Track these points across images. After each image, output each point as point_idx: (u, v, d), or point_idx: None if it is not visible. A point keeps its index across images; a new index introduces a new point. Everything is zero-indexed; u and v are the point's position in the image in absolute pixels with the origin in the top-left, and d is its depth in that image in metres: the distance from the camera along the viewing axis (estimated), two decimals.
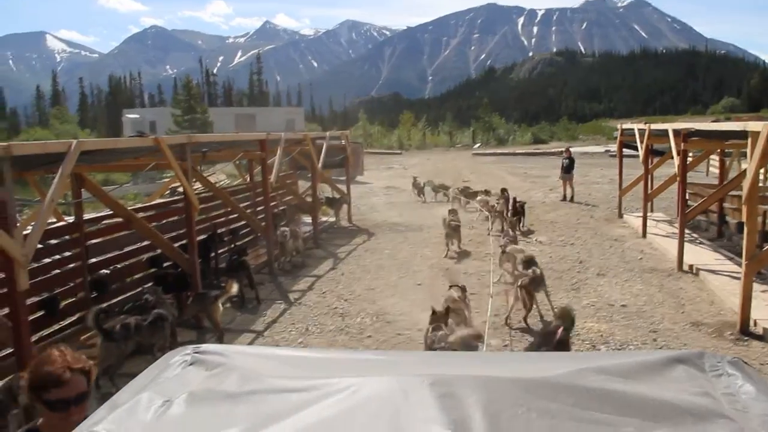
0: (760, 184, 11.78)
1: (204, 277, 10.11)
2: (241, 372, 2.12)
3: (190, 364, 2.23)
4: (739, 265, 11.34)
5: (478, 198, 19.69)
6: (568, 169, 22.92)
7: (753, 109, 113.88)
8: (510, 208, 16.86)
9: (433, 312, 7.53)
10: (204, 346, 2.36)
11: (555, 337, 6.47)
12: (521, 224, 16.69)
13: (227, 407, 1.92)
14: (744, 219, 8.84)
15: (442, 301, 8.70)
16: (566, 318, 6.94)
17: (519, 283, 9.12)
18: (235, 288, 9.15)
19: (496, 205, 17.44)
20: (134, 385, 2.13)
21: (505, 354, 6.17)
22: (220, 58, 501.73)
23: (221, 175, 27.11)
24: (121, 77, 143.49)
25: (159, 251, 10.45)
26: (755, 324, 8.61)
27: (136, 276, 10.72)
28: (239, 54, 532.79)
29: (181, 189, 17.42)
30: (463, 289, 8.97)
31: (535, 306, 9.21)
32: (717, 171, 21.81)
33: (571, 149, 25.51)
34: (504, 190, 18.66)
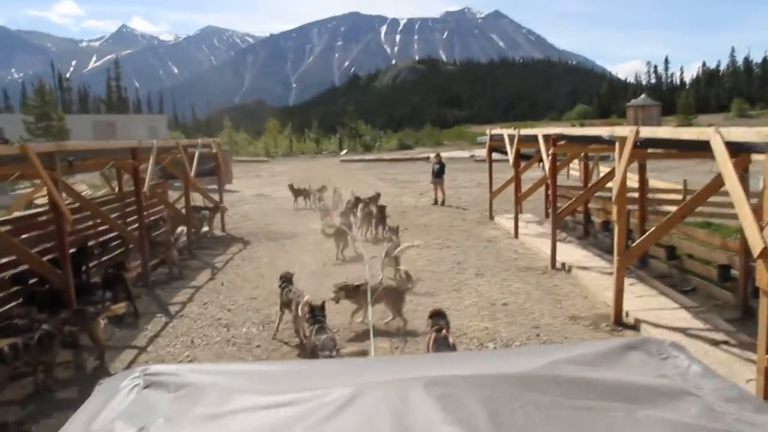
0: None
1: (78, 293, 9.54)
2: (213, 391, 2.02)
3: (145, 387, 2.09)
4: (607, 261, 12.04)
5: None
6: (439, 174, 23.43)
7: (603, 115, 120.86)
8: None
9: (311, 309, 7.44)
10: (153, 368, 2.24)
11: (448, 342, 6.51)
12: (384, 229, 16.03)
13: (217, 429, 1.82)
14: (614, 217, 9.31)
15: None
16: (441, 317, 6.99)
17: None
18: (122, 308, 8.75)
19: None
20: (84, 415, 1.98)
21: (467, 353, 6.18)
22: (73, 62, 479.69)
23: (82, 185, 25.97)
24: None
25: (23, 267, 9.84)
26: (627, 315, 9.10)
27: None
28: (94, 59, 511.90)
29: (40, 201, 16.61)
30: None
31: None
32: (577, 174, 22.96)
33: (440, 154, 26.05)
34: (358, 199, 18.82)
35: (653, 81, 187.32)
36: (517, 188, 16.60)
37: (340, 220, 15.70)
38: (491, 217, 19.18)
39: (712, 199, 9.94)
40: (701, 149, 8.02)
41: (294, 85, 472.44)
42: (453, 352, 6.06)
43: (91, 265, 11.84)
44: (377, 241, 15.59)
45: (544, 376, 1.99)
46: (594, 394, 1.90)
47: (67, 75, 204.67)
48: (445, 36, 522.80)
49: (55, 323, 7.52)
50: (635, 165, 12.33)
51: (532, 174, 20.39)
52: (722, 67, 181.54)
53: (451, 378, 1.97)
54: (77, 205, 12.26)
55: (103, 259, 12.62)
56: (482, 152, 36.00)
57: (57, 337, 7.35)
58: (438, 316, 6.91)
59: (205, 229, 17.94)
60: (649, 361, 2.19)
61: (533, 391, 1.89)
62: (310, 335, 7.14)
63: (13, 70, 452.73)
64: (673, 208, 11.54)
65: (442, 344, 6.47)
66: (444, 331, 6.66)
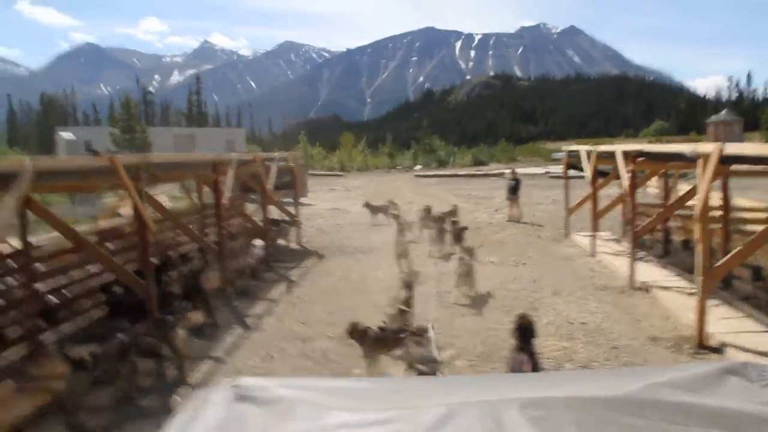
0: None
1: (160, 303, 9.81)
2: (305, 406, 2.04)
3: (236, 401, 2.12)
4: (688, 281, 11.68)
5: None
6: (514, 191, 23.22)
7: (682, 132, 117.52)
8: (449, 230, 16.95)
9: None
10: (243, 380, 2.26)
11: (532, 349, 6.36)
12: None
13: None
14: (696, 236, 9.05)
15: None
16: (528, 333, 6.71)
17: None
18: (199, 318, 8.94)
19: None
20: (175, 428, 2.01)
21: (560, 373, 6.05)
22: (156, 77, 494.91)
23: (163, 197, 26.69)
24: (54, 95, 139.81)
25: (111, 277, 10.20)
26: (710, 337, 8.81)
27: (87, 303, 10.38)
28: (176, 73, 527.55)
29: (123, 211, 17.17)
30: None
31: None
32: (656, 191, 22.42)
33: (516, 170, 25.81)
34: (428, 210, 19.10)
35: (735, 96, 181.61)
36: (595, 205, 16.31)
37: (403, 235, 15.65)
38: (567, 235, 18.90)
39: None
40: None
41: (369, 100, 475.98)
42: (546, 372, 5.92)
43: (171, 275, 12.19)
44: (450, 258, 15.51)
45: (641, 400, 1.96)
46: (693, 420, 1.85)
47: (151, 89, 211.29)
48: (520, 51, 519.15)
49: (134, 334, 7.73)
50: (717, 182, 11.99)
51: (609, 191, 20.03)
52: None
53: (546, 399, 1.96)
54: (159, 216, 12.66)
55: (183, 269, 12.96)
56: (557, 169, 35.58)
57: (133, 346, 7.55)
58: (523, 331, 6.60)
59: (282, 242, 18.22)
60: (750, 387, 2.12)
61: (631, 415, 1.86)
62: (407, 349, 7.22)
63: (102, 85, 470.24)
64: (758, 228, 11.17)
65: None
66: (522, 354, 6.42)
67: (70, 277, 10.36)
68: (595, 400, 1.96)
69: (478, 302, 11.46)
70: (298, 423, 1.95)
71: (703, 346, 8.71)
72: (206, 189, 15.80)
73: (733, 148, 8.34)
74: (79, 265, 10.43)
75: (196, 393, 2.30)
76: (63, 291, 10.01)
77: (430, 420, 1.85)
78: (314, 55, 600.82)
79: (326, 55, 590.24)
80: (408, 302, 9.39)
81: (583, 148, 17.04)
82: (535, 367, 6.27)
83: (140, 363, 7.94)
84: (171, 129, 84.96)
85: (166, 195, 27.56)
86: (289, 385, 2.28)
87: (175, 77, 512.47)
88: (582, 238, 17.58)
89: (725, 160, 8.67)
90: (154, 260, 10.87)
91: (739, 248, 9.25)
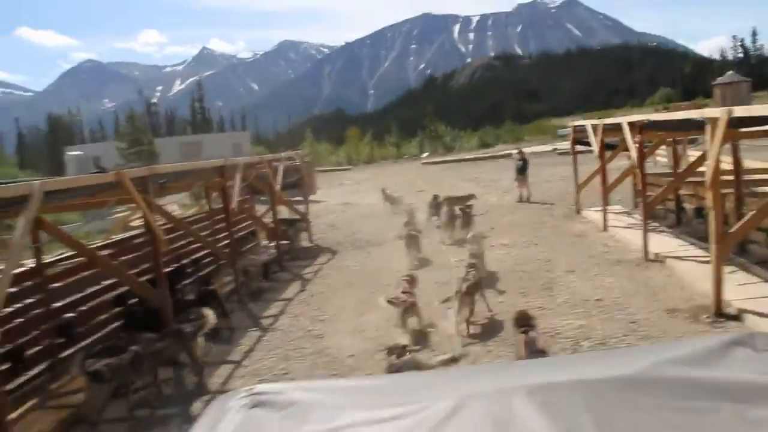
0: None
1: (175, 311, 9.82)
2: (319, 408, 2.08)
3: (253, 407, 2.14)
4: (703, 249, 11.59)
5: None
6: (522, 170, 23.14)
7: (688, 97, 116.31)
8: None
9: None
10: (259, 387, 2.30)
11: (536, 345, 6.47)
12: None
13: None
14: (709, 203, 8.96)
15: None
16: (529, 320, 6.95)
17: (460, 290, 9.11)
18: (212, 318, 8.92)
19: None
20: None
21: (567, 357, 6.07)
22: (159, 88, 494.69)
23: (173, 205, 26.79)
24: (60, 114, 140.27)
25: (124, 289, 10.22)
26: (729, 305, 8.73)
27: (102, 317, 10.40)
28: (178, 82, 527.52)
29: (135, 223, 17.24)
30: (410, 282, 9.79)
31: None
32: (665, 161, 22.28)
33: (523, 150, 25.68)
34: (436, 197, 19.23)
35: (741, 56, 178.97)
36: (604, 179, 16.19)
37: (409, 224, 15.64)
38: (578, 211, 18.79)
39: None
40: None
41: (371, 92, 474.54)
42: (554, 357, 6.01)
43: (185, 282, 12.21)
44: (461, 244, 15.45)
45: (647, 378, 1.97)
46: (701, 394, 1.87)
47: (154, 100, 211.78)
48: (519, 29, 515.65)
49: (150, 344, 7.74)
50: (727, 146, 11.85)
51: (618, 163, 19.91)
52: None
53: (553, 384, 1.98)
54: (170, 225, 12.69)
55: (197, 275, 12.98)
56: (564, 145, 35.36)
57: (148, 357, 7.57)
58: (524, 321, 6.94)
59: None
60: (757, 356, 2.11)
61: (638, 394, 1.88)
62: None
63: (105, 101, 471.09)
64: None
65: (532, 347, 6.42)
66: (532, 333, 6.62)
67: (85, 292, 10.38)
68: (602, 381, 1.98)
69: (492, 284, 11.39)
70: (313, 425, 1.99)
71: (720, 314, 8.63)
72: (215, 194, 15.83)
73: (741, 111, 8.22)
74: (93, 280, 10.43)
75: (213, 402, 2.35)
76: (79, 306, 10.02)
77: (440, 412, 1.89)
78: (313, 52, 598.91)
79: (325, 50, 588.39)
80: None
81: (588, 123, 16.92)
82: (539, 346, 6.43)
83: (159, 372, 8.00)
84: (177, 138, 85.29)
85: (177, 203, 27.80)
86: (304, 388, 2.33)
87: (177, 86, 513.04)
88: (593, 214, 17.47)
89: (734, 124, 8.57)
90: (167, 269, 10.91)
91: (752, 212, 9.14)
